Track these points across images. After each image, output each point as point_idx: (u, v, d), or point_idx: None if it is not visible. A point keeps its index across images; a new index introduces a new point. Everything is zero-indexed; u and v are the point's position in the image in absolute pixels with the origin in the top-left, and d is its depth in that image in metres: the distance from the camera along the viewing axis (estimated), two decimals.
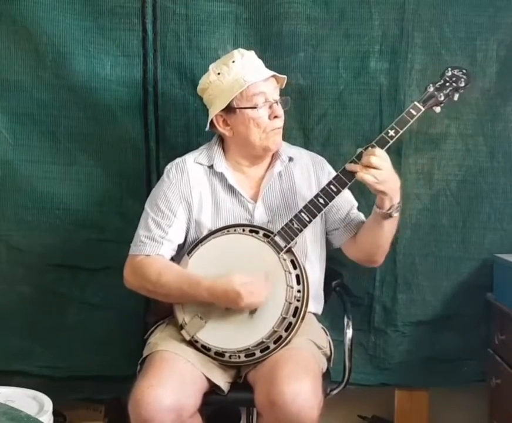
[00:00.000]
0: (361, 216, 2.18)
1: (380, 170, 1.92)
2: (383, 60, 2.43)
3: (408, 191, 2.46)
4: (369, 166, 1.92)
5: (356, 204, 2.21)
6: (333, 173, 2.19)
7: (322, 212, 2.01)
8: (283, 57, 2.40)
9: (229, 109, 2.06)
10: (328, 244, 2.23)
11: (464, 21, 2.41)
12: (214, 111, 2.08)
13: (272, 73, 2.09)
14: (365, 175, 1.92)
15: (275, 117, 2.07)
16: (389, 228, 2.05)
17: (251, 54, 2.11)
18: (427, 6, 2.41)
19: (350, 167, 1.97)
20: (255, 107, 2.04)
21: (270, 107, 2.07)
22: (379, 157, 1.93)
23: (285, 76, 2.14)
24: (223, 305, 1.95)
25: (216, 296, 1.93)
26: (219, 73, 2.07)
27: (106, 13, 2.38)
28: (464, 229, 2.50)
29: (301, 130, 2.46)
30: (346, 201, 2.16)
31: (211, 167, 2.14)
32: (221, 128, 2.10)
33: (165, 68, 2.42)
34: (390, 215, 1.99)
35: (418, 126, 2.38)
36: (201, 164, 2.15)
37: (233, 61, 2.06)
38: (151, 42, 2.40)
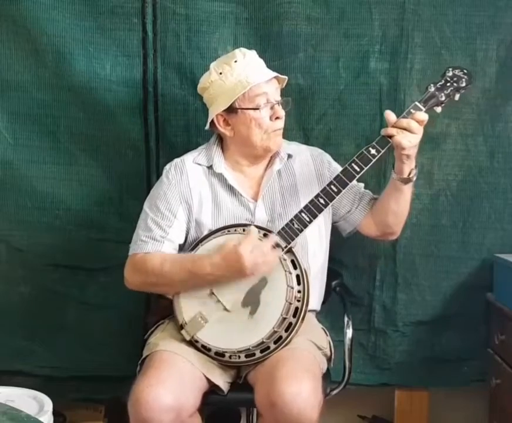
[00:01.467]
0: (370, 193, 2.21)
1: (416, 134, 1.96)
2: (383, 60, 2.43)
3: None
4: (408, 130, 1.95)
5: (362, 184, 2.22)
6: (333, 162, 2.22)
7: (322, 212, 2.01)
8: (283, 57, 2.40)
9: (230, 109, 2.06)
10: (341, 230, 2.25)
11: (464, 21, 2.41)
12: (215, 111, 2.08)
13: (275, 74, 2.09)
14: (403, 140, 1.95)
15: (277, 118, 2.07)
16: (408, 194, 2.10)
17: (253, 54, 2.11)
18: (427, 6, 2.40)
19: (386, 131, 1.99)
20: (257, 108, 2.04)
21: (272, 108, 2.07)
22: (420, 122, 1.97)
23: (286, 77, 2.14)
24: (228, 276, 1.93)
25: (219, 266, 1.92)
26: (221, 73, 2.07)
27: (106, 13, 2.38)
28: (464, 229, 2.50)
29: (301, 130, 2.46)
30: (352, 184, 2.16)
31: (210, 167, 2.14)
32: (221, 128, 2.10)
33: (165, 68, 2.42)
34: (410, 180, 2.03)
35: None
36: (200, 164, 2.15)
37: (235, 61, 2.06)
38: (151, 42, 2.40)
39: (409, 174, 2.03)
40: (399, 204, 2.11)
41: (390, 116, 2.00)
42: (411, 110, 2.03)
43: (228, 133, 2.11)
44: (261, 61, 2.13)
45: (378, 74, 2.44)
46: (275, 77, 2.10)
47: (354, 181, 2.11)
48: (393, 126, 1.98)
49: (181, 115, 2.44)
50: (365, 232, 2.23)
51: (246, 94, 2.04)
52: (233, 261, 1.90)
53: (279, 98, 2.10)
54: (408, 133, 1.96)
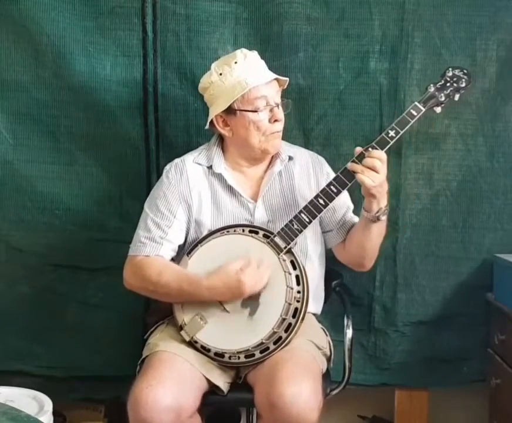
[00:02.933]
0: (355, 219, 2.18)
1: (379, 173, 1.93)
2: (383, 60, 2.43)
3: (408, 191, 2.47)
4: (371, 168, 1.93)
5: (351, 206, 2.21)
6: (332, 174, 2.19)
7: (322, 213, 2.01)
8: (283, 57, 2.40)
9: (229, 110, 2.05)
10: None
11: (464, 21, 2.41)
12: (214, 111, 2.08)
13: (275, 76, 2.08)
14: (365, 178, 1.92)
15: (275, 120, 2.06)
16: (377, 232, 2.06)
17: (254, 55, 2.10)
18: (427, 6, 2.40)
19: (352, 166, 1.97)
20: (255, 111, 2.03)
21: (271, 110, 2.06)
22: (382, 161, 1.94)
23: (287, 79, 2.13)
24: (226, 299, 1.95)
25: (218, 292, 1.94)
26: (221, 74, 2.06)
27: (106, 13, 2.38)
28: (464, 229, 2.50)
29: (301, 130, 2.46)
30: (342, 203, 2.17)
31: (210, 167, 2.14)
32: (220, 128, 2.10)
33: (165, 68, 2.42)
34: (378, 219, 2.01)
35: (418, 125, 2.38)
36: (200, 164, 2.15)
37: (235, 62, 2.05)
38: (151, 42, 2.40)
39: (377, 212, 2.00)
40: (367, 240, 2.08)
41: (357, 150, 1.98)
42: (412, 111, 2.04)
43: (227, 133, 2.11)
44: (262, 63, 2.12)
45: (378, 74, 2.43)
46: (276, 79, 2.09)
47: (347, 200, 2.14)
48: (355, 161, 1.96)
49: (181, 115, 2.44)
50: (338, 257, 2.22)
51: (245, 96, 2.03)
52: (234, 288, 1.92)
53: (279, 100, 2.09)
54: (373, 172, 1.93)
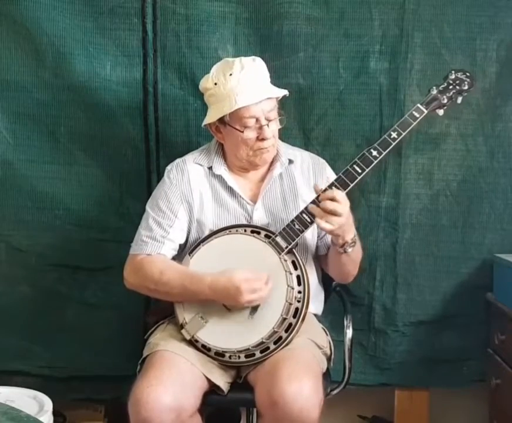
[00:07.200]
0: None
1: (338, 216, 1.91)
2: (383, 60, 2.43)
3: (408, 191, 2.47)
4: (327, 212, 1.91)
5: None
6: (332, 177, 2.17)
7: None
8: (283, 57, 2.40)
9: (221, 120, 2.04)
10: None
11: (464, 21, 2.41)
12: (207, 119, 2.08)
13: (267, 95, 2.02)
14: (323, 224, 1.91)
15: (263, 139, 2.04)
16: (348, 259, 2.06)
17: (253, 67, 2.04)
18: (427, 6, 2.41)
19: (312, 208, 1.95)
20: (241, 131, 2.01)
21: (260, 127, 2.02)
22: (338, 202, 1.91)
23: (285, 92, 2.09)
24: (223, 301, 1.95)
25: (217, 292, 1.93)
26: (216, 83, 2.03)
27: (106, 13, 2.38)
28: (464, 229, 2.50)
29: (301, 130, 2.46)
30: None
31: (210, 168, 2.14)
32: (213, 133, 2.11)
33: (165, 68, 2.42)
34: (344, 251, 2.00)
35: (418, 125, 2.37)
36: (200, 165, 2.15)
37: (230, 74, 2.01)
38: (151, 42, 2.40)
39: (343, 246, 1.99)
40: (341, 266, 2.09)
41: (316, 188, 1.97)
42: (414, 113, 2.04)
43: (219, 139, 2.11)
44: (260, 76, 2.05)
45: (378, 74, 2.43)
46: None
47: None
48: (316, 201, 1.94)
49: (181, 115, 2.44)
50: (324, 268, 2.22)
51: (234, 113, 2.00)
52: (232, 294, 1.91)
53: (274, 116, 2.04)
54: (331, 216, 1.91)
